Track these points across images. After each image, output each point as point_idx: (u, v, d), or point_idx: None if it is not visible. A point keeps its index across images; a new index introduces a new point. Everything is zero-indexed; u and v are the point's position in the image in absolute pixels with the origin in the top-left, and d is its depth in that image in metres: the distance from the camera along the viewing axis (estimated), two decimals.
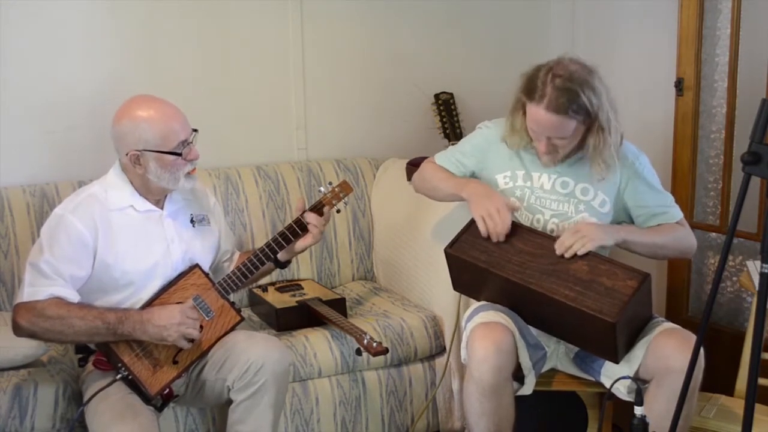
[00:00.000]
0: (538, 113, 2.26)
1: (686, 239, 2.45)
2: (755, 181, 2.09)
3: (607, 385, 2.32)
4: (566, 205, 2.41)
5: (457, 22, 3.61)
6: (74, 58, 3.00)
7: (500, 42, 3.70)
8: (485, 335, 2.23)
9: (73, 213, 2.22)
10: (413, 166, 3.15)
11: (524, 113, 2.34)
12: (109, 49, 3.05)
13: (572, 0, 3.70)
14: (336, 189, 2.57)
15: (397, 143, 3.50)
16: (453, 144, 3.34)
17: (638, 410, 1.87)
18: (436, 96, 3.43)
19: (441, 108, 3.41)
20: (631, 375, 2.23)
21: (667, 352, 2.19)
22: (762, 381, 2.30)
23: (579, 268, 2.25)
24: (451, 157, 2.59)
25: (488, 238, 2.34)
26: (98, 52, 3.03)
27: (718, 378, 2.55)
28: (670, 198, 2.48)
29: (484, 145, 2.53)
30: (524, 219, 2.44)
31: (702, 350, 2.18)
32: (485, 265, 2.34)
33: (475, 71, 3.66)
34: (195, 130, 2.33)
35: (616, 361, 2.25)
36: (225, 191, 3.07)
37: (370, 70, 3.49)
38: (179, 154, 2.27)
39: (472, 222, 2.40)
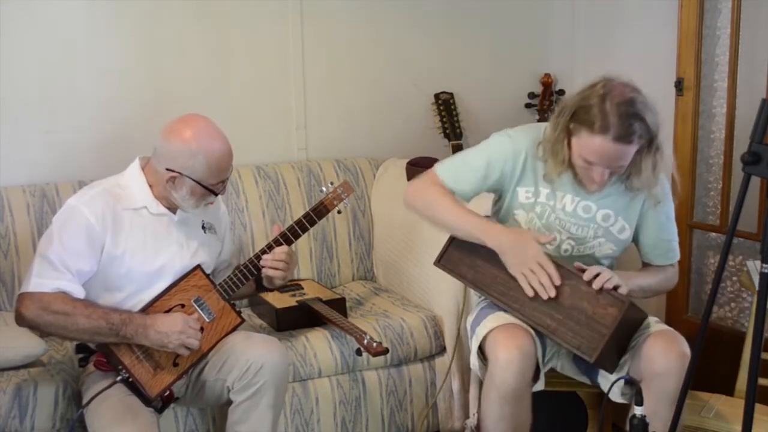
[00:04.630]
0: (603, 145, 2.13)
1: (673, 280, 2.44)
2: (755, 181, 2.09)
3: (603, 385, 2.32)
4: (585, 229, 2.35)
5: (457, 22, 3.61)
6: (75, 57, 3.00)
7: (500, 42, 3.70)
8: (508, 340, 2.18)
9: (87, 205, 2.22)
10: (413, 166, 3.16)
11: (569, 143, 2.22)
12: (110, 49, 3.05)
13: (572, 0, 3.70)
14: (338, 190, 2.57)
15: (397, 143, 3.50)
16: (453, 143, 3.36)
17: (638, 410, 1.87)
18: (436, 96, 3.43)
19: (441, 108, 3.41)
20: (623, 375, 2.23)
21: (652, 354, 2.18)
22: (762, 381, 2.30)
23: (561, 291, 2.19)
24: (469, 173, 2.35)
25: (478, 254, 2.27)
26: (99, 52, 3.03)
27: (718, 378, 2.55)
28: (676, 230, 2.44)
29: (513, 157, 2.33)
30: (548, 244, 2.33)
31: (689, 352, 2.18)
32: (470, 284, 2.34)
33: (475, 71, 3.66)
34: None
35: (610, 373, 2.25)
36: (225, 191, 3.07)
37: (370, 70, 3.49)
38: (215, 193, 2.30)
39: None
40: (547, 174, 2.30)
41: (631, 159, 2.20)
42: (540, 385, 2.31)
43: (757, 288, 1.79)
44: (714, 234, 3.16)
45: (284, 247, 2.42)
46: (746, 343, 2.51)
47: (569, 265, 2.25)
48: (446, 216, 2.33)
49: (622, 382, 2.20)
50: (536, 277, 2.18)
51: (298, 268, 3.12)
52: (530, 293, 2.19)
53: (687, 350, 2.18)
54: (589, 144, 2.16)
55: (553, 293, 2.17)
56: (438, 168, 2.40)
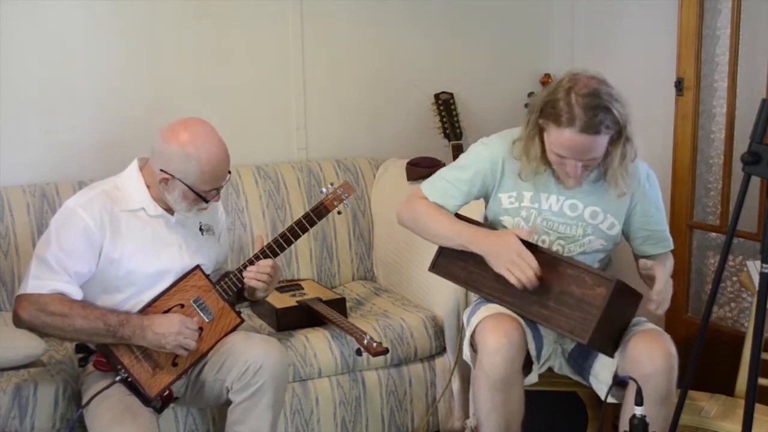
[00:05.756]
0: (572, 138, 2.14)
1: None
2: (755, 181, 2.09)
3: (595, 386, 2.34)
4: (574, 228, 2.35)
5: (457, 22, 3.61)
6: (75, 57, 3.00)
7: (500, 42, 3.70)
8: (496, 327, 2.21)
9: (84, 208, 2.22)
10: (413, 166, 3.16)
11: (541, 140, 2.25)
12: (110, 49, 3.05)
13: (572, 0, 3.70)
14: (338, 190, 2.55)
15: (397, 143, 3.50)
16: (453, 143, 3.37)
17: (638, 410, 1.87)
18: (436, 96, 3.43)
19: (441, 108, 3.41)
20: (611, 376, 2.24)
21: (636, 355, 2.19)
22: (762, 381, 2.30)
23: (549, 278, 2.21)
24: (452, 189, 2.40)
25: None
26: (99, 52, 3.04)
27: (718, 378, 2.55)
28: (665, 218, 2.46)
29: (490, 165, 2.37)
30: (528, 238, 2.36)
31: (675, 351, 2.19)
32: (464, 284, 2.38)
33: (475, 71, 3.66)
34: (229, 172, 2.33)
35: (611, 356, 2.25)
36: (225, 191, 3.05)
37: (370, 70, 3.49)
38: (206, 200, 2.29)
39: None
40: (522, 171, 2.32)
41: (605, 151, 2.21)
42: (533, 378, 2.33)
43: (757, 288, 1.79)
44: (714, 234, 3.15)
45: (269, 260, 2.40)
46: (746, 343, 2.51)
47: (553, 252, 2.28)
48: (433, 228, 2.39)
49: (612, 382, 2.21)
50: (519, 270, 2.20)
51: (298, 269, 3.13)
52: (520, 286, 2.21)
53: (672, 349, 2.19)
54: (558, 138, 2.18)
55: (536, 284, 2.19)
56: (423, 187, 2.45)
